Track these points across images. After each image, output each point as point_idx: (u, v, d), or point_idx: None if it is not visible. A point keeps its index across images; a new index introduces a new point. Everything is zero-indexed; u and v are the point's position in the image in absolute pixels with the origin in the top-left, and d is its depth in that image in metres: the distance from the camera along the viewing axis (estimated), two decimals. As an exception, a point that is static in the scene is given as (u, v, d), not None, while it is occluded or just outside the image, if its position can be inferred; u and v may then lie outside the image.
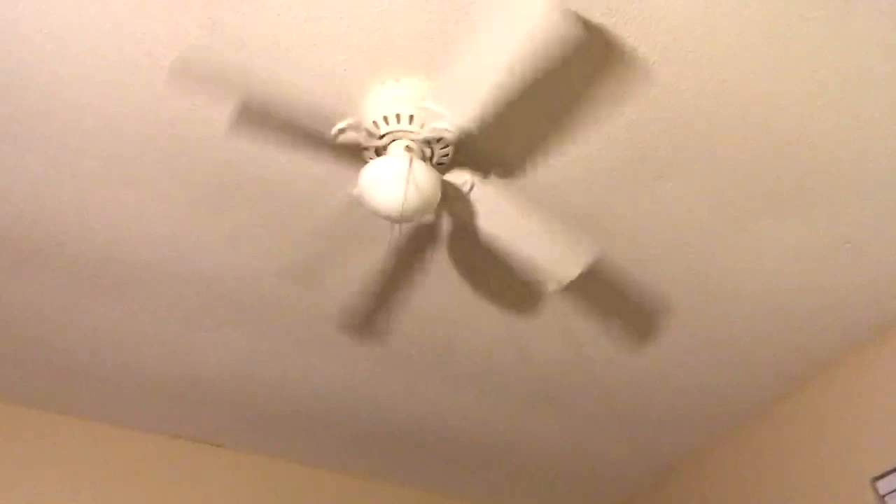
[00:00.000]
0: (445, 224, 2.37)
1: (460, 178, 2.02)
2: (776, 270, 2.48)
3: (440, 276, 2.59)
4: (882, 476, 2.60)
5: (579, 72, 1.86)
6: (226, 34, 1.81)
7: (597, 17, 1.72)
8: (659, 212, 2.28)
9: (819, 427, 2.96)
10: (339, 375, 3.16)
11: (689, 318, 2.73)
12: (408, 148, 1.91)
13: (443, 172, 2.00)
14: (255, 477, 3.73)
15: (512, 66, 1.67)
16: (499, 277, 2.59)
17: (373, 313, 2.78)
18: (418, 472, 3.91)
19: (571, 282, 2.51)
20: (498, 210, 2.06)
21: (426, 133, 1.88)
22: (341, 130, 1.90)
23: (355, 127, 1.91)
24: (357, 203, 2.02)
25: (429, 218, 2.35)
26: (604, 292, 2.63)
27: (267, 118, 1.98)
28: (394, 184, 1.83)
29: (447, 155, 1.98)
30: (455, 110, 1.80)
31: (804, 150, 2.06)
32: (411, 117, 1.89)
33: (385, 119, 1.91)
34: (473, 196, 2.04)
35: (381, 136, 1.93)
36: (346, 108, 1.93)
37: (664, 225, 2.33)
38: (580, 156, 2.11)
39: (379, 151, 1.96)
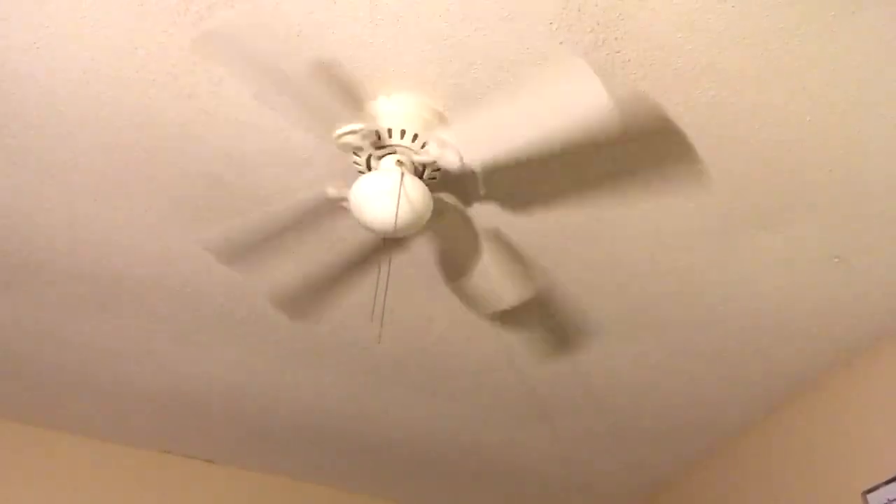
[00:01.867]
0: (439, 239, 2.38)
1: (437, 142, 1.97)
2: (766, 284, 2.49)
3: (432, 291, 2.59)
4: (873, 489, 2.60)
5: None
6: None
7: (586, 33, 1.73)
8: (650, 227, 2.29)
9: (810, 440, 2.96)
10: (332, 391, 3.16)
11: (680, 332, 2.74)
12: (399, 162, 1.91)
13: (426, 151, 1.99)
14: (245, 492, 3.72)
15: (538, 136, 1.77)
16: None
17: (366, 329, 2.78)
18: (410, 487, 3.90)
19: (568, 295, 2.54)
20: (494, 128, 2.03)
21: (425, 157, 1.89)
22: (343, 134, 1.86)
23: (356, 133, 1.89)
24: (351, 220, 2.01)
25: (421, 232, 2.35)
26: (597, 308, 2.63)
27: (277, 103, 1.93)
28: (385, 199, 1.83)
29: (435, 178, 1.99)
30: (469, 149, 1.83)
31: (793, 165, 2.07)
32: (415, 136, 1.89)
33: (389, 132, 1.91)
34: (465, 153, 2.03)
35: (382, 147, 1.93)
36: (355, 111, 1.92)
37: (655, 240, 2.34)
38: (567, 173, 2.11)
39: (369, 164, 1.96)
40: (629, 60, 1.80)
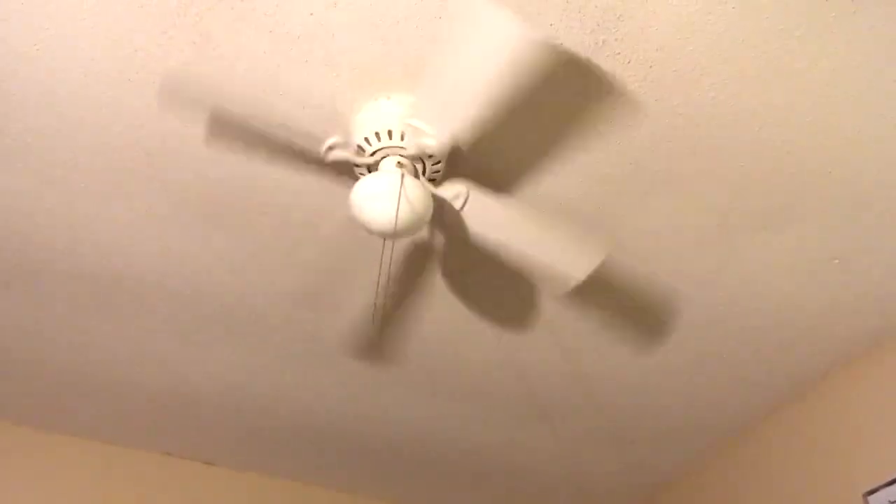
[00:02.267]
0: (439, 240, 2.38)
1: (453, 190, 2.01)
2: (766, 285, 2.49)
3: (434, 293, 2.60)
4: (874, 490, 2.60)
5: (569, 89, 1.87)
6: (217, 50, 1.82)
7: (587, 34, 1.73)
8: (651, 226, 2.29)
9: (811, 442, 2.96)
10: (333, 392, 3.15)
11: (682, 334, 2.73)
12: (399, 164, 1.92)
13: (436, 187, 2.00)
14: (246, 495, 3.71)
15: (490, 86, 1.68)
16: (493, 293, 2.59)
17: (366, 330, 2.78)
18: (410, 488, 3.90)
19: (568, 295, 2.54)
20: (496, 219, 2.05)
21: (413, 149, 1.89)
22: (330, 148, 1.90)
23: (344, 144, 1.91)
24: (351, 222, 2.02)
25: (422, 234, 2.35)
26: (597, 308, 2.63)
27: (254, 136, 1.99)
28: (386, 200, 1.83)
29: (439, 171, 1.99)
30: (437, 127, 1.80)
31: (793, 167, 2.07)
32: (402, 134, 1.89)
33: (377, 135, 1.92)
34: (469, 209, 2.03)
35: (373, 153, 1.94)
36: (336, 126, 1.94)
37: (656, 240, 2.34)
38: (571, 171, 2.12)
39: (371, 169, 1.97)
40: (630, 62, 1.80)
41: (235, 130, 1.96)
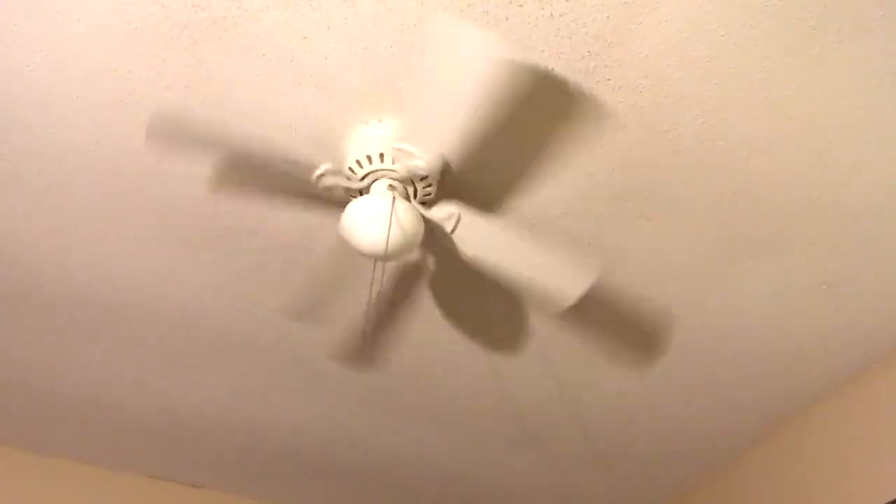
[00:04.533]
0: (430, 262, 2.38)
1: (445, 212, 2.01)
2: (756, 312, 2.50)
3: (424, 315, 2.59)
4: (865, 516, 2.60)
5: (558, 112, 1.89)
6: (210, 73, 1.83)
7: (577, 60, 1.75)
8: (640, 252, 2.30)
9: (802, 467, 2.96)
10: (321, 415, 3.14)
11: (671, 358, 2.74)
12: (391, 187, 1.93)
13: (428, 209, 2.01)
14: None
15: (477, 109, 1.70)
16: (483, 316, 2.59)
17: (355, 353, 2.77)
18: (400, 513, 3.87)
19: (559, 317, 2.54)
20: (488, 240, 2.05)
21: (403, 172, 1.90)
22: (321, 176, 1.91)
23: (335, 171, 1.92)
24: (341, 243, 2.02)
25: (412, 255, 2.36)
26: (587, 331, 2.63)
27: (246, 174, 2.01)
28: (376, 222, 1.84)
29: (430, 193, 2.00)
30: (425, 149, 1.80)
31: (781, 195, 2.09)
32: (393, 157, 1.90)
33: (368, 158, 1.92)
34: (461, 231, 2.03)
35: (363, 178, 1.94)
36: (326, 152, 1.95)
37: (645, 265, 2.35)
38: (559, 195, 2.13)
39: (363, 192, 1.97)
40: (620, 87, 1.82)
41: (234, 176, 2.01)
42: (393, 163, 1.91)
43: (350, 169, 1.95)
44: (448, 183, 2.05)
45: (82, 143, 2.03)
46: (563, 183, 2.09)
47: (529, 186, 2.11)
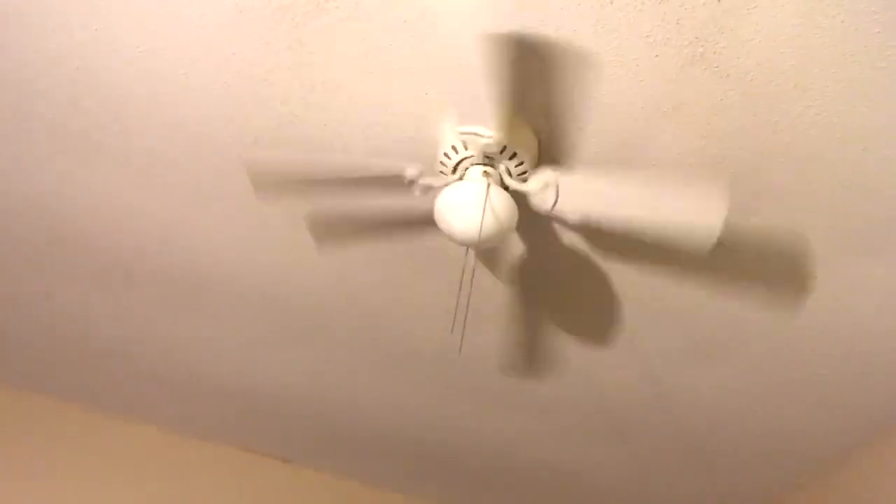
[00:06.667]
0: (522, 250, 2.35)
1: (542, 180, 1.91)
2: (868, 310, 2.36)
3: (514, 305, 2.57)
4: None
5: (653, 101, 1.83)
6: (311, 56, 1.84)
7: (684, 46, 1.68)
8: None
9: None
10: (409, 398, 3.16)
11: (773, 357, 2.62)
12: (485, 173, 1.90)
13: (525, 181, 1.96)
14: (319, 495, 3.75)
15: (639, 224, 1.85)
16: (573, 307, 2.55)
17: (445, 339, 2.77)
18: (485, 499, 3.87)
19: (650, 311, 2.48)
20: (601, 193, 1.91)
21: (521, 186, 1.91)
22: (412, 180, 1.91)
23: (425, 172, 1.91)
24: (416, 187, 1.96)
25: (505, 243, 2.33)
26: (681, 324, 2.56)
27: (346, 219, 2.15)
28: (470, 209, 1.82)
29: (524, 171, 1.94)
30: (568, 199, 1.88)
31: (899, 189, 1.97)
32: (514, 154, 1.90)
33: (454, 149, 1.91)
34: (562, 198, 1.92)
35: (453, 170, 1.94)
36: (420, 139, 1.96)
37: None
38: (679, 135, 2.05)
39: (455, 169, 1.96)
40: (728, 76, 1.74)
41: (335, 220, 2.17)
42: (466, 148, 1.89)
43: (441, 163, 1.95)
44: (542, 153, 2.00)
45: (190, 121, 2.08)
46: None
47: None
